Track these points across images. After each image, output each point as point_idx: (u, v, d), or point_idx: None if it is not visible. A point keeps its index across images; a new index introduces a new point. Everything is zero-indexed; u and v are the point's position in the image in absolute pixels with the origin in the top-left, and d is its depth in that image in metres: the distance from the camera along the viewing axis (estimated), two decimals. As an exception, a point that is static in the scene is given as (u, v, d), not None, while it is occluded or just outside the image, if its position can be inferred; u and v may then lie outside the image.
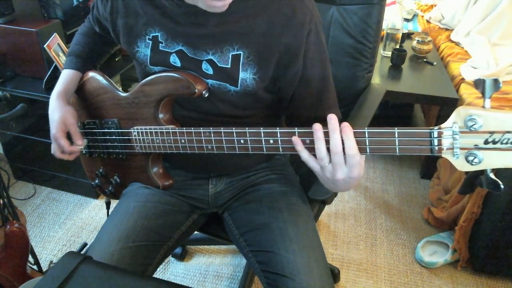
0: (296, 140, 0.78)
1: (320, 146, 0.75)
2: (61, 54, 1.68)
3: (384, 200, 2.10)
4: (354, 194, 2.14)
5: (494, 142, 0.58)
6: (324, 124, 0.92)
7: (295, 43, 0.88)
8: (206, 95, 0.93)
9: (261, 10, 0.88)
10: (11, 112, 1.34)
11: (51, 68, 1.69)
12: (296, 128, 0.78)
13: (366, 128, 0.70)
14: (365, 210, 2.04)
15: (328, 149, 0.75)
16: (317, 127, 0.75)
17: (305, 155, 0.79)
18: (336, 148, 0.73)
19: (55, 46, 1.66)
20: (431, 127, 0.64)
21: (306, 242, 0.96)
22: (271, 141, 0.81)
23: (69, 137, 1.06)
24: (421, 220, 1.97)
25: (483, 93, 0.59)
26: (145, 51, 0.98)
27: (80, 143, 1.06)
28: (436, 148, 0.65)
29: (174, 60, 0.95)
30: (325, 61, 0.95)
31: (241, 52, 0.89)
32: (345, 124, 0.73)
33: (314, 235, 1.00)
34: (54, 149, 1.08)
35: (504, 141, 0.57)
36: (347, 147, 0.72)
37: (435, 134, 0.64)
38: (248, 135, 0.83)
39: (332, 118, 0.74)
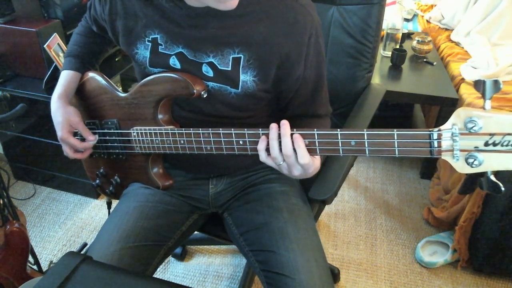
0: (263, 139, 0.82)
1: (274, 145, 0.80)
2: (61, 54, 1.68)
3: (384, 200, 2.10)
4: (354, 194, 2.14)
5: (494, 144, 0.58)
6: (312, 119, 1.01)
7: (296, 49, 0.89)
8: (204, 96, 0.93)
9: (263, 15, 0.88)
10: (11, 112, 1.33)
11: (51, 68, 1.68)
12: (295, 130, 0.78)
13: (365, 130, 0.70)
14: (365, 210, 2.04)
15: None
16: (273, 126, 0.79)
17: (263, 155, 0.83)
18: (287, 152, 0.78)
19: (55, 46, 1.66)
20: (430, 129, 0.64)
21: (306, 241, 0.97)
22: None
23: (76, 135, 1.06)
24: (421, 220, 1.97)
25: (483, 94, 0.59)
26: (144, 53, 0.97)
27: (92, 138, 1.06)
28: (436, 150, 0.64)
29: (174, 62, 0.95)
30: (321, 63, 0.97)
31: (242, 55, 0.89)
32: (296, 136, 0.78)
33: (314, 235, 1.00)
34: (66, 151, 1.07)
35: (505, 143, 0.57)
36: (299, 157, 0.78)
37: (435, 136, 0.64)
38: (247, 137, 0.83)
39: (284, 124, 0.79)
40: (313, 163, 0.80)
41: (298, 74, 0.92)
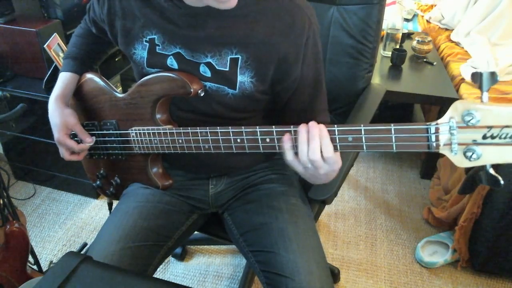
0: (287, 138, 0.78)
1: (304, 148, 0.76)
2: (61, 54, 1.68)
3: (384, 200, 2.10)
4: (354, 194, 2.14)
5: (492, 137, 0.57)
6: None
7: (294, 51, 0.89)
8: (201, 95, 0.93)
9: (261, 16, 0.88)
10: (11, 112, 1.34)
11: (51, 68, 1.69)
12: (292, 127, 0.78)
13: (362, 125, 0.70)
14: (365, 210, 2.03)
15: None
16: (302, 129, 0.76)
17: (290, 155, 0.79)
18: (315, 156, 0.75)
19: (55, 46, 1.66)
20: (428, 123, 0.64)
21: (306, 242, 0.97)
22: (268, 140, 0.81)
23: (73, 137, 1.06)
24: (421, 220, 1.97)
25: (480, 86, 0.59)
26: (142, 53, 0.97)
27: (89, 140, 1.06)
28: (434, 144, 0.64)
29: (171, 62, 0.95)
30: (319, 68, 0.96)
31: (240, 56, 0.89)
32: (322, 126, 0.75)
33: (314, 235, 1.00)
34: (62, 153, 1.07)
35: (503, 136, 0.57)
36: (325, 152, 0.75)
37: (432, 130, 0.64)
38: (244, 134, 0.83)
39: (313, 126, 0.75)
40: (337, 159, 0.77)
41: (295, 76, 0.92)
